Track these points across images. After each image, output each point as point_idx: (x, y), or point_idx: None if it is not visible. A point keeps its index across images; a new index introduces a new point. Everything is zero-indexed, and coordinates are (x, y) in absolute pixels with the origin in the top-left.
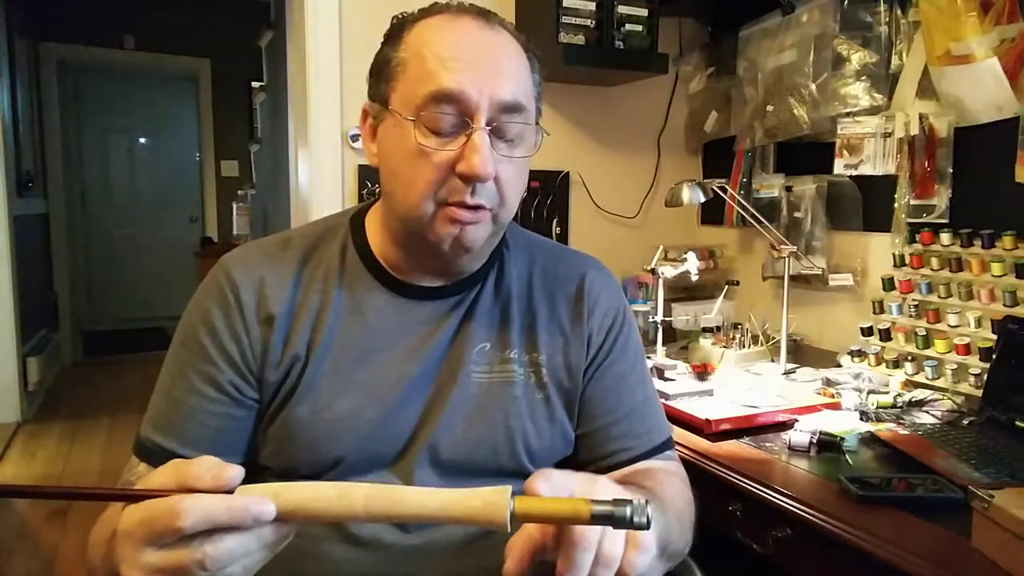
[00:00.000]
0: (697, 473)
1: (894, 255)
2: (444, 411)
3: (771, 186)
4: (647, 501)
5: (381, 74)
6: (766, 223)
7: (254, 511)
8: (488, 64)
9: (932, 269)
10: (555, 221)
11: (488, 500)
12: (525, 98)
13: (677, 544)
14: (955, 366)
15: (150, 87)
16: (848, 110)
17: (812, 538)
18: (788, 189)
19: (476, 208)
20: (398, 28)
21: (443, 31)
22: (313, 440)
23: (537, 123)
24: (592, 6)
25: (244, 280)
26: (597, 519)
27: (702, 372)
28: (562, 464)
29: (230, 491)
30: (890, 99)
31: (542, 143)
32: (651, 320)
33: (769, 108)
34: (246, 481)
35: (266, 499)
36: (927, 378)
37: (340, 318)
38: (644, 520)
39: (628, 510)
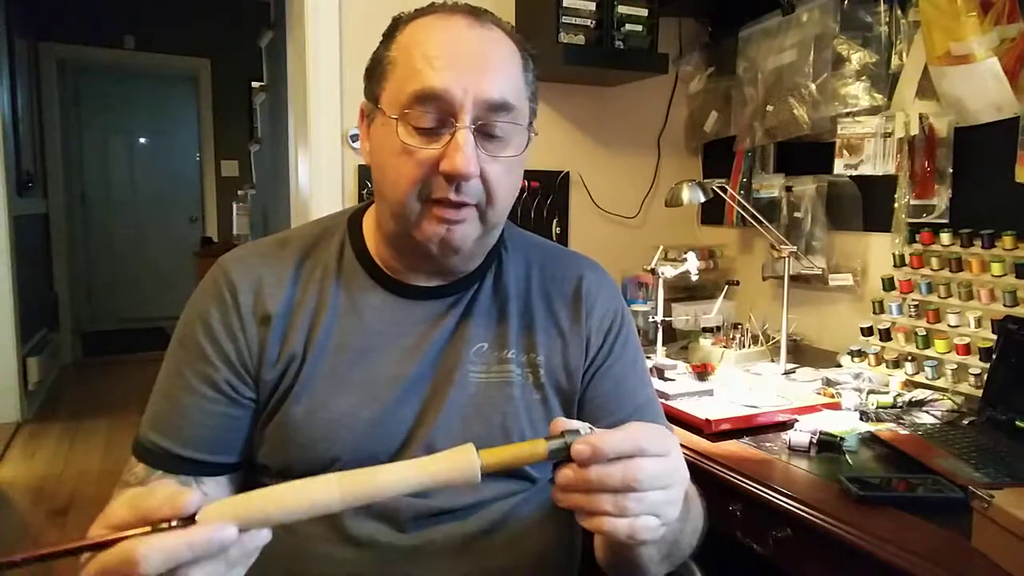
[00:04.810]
0: (697, 473)
1: (894, 255)
2: (441, 411)
3: (771, 186)
4: (591, 427)
5: (374, 73)
6: (766, 223)
7: (216, 540)
8: (475, 63)
9: (932, 269)
10: (555, 221)
11: (457, 459)
12: (515, 97)
13: (690, 540)
14: (955, 366)
15: (150, 87)
16: (848, 110)
17: (812, 538)
18: (788, 189)
19: (461, 205)
20: (392, 28)
21: (433, 30)
22: (310, 439)
23: (530, 123)
24: (592, 6)
25: (242, 280)
26: (552, 453)
27: (702, 372)
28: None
29: (191, 516)
30: (890, 99)
31: (532, 143)
32: (651, 320)
33: (769, 108)
34: (246, 479)
35: (225, 524)
36: (927, 378)
37: (337, 318)
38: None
39: (577, 437)
